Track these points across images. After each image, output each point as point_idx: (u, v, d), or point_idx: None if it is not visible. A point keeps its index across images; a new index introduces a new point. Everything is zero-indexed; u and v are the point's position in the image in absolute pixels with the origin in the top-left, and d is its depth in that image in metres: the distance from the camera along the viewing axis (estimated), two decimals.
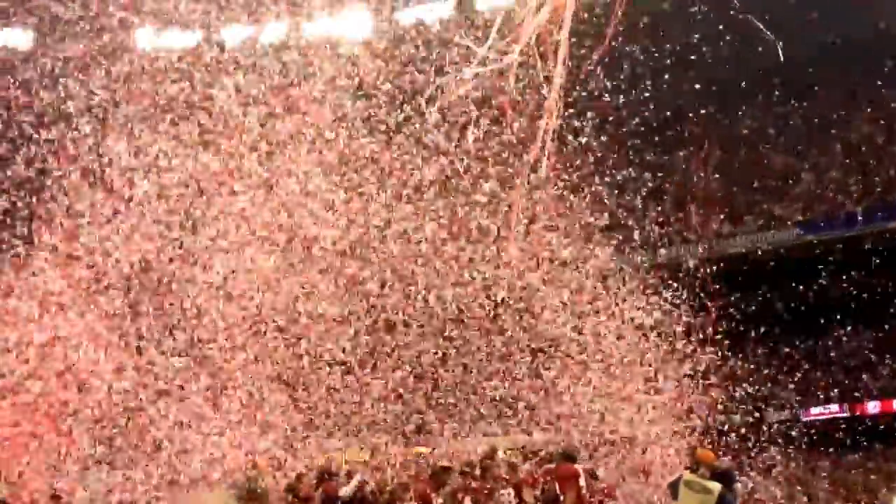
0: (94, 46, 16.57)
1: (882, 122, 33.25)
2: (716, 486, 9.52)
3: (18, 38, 25.71)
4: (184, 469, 13.99)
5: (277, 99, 16.14)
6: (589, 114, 20.98)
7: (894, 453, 27.96)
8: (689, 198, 33.60)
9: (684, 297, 19.88)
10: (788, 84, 34.14)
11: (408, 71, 17.64)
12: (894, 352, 29.78)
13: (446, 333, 19.80)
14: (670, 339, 18.60)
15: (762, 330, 25.08)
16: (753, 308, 25.95)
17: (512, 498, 12.33)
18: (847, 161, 33.19)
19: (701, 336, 19.50)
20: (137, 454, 13.75)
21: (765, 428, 23.74)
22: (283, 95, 16.17)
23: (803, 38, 26.43)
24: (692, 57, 29.82)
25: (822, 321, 28.64)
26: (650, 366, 18.13)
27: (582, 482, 11.79)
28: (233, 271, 15.73)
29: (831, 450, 25.93)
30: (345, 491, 13.15)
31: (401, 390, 19.74)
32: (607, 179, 24.72)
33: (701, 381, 18.61)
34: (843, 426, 28.21)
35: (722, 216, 32.43)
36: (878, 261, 28.24)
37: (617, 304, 18.70)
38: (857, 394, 29.84)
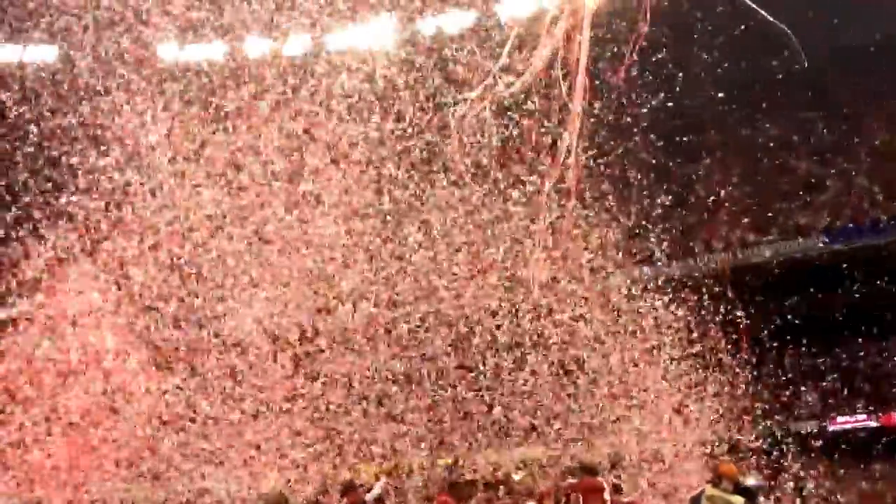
0: (118, 61, 16.71)
1: None
2: (738, 501, 9.44)
3: (44, 53, 26.06)
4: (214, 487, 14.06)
5: (299, 112, 16.18)
6: (612, 124, 20.93)
7: None
8: (712, 207, 33.40)
9: (708, 307, 19.80)
10: (813, 91, 33.93)
11: (428, 82, 17.68)
12: None
13: (469, 347, 19.81)
14: (695, 349, 18.51)
15: (787, 339, 24.87)
16: (778, 317, 25.74)
17: None
18: (873, 168, 32.85)
19: (726, 346, 19.39)
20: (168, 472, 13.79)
21: (791, 438, 23.54)
22: (305, 108, 16.22)
23: (828, 44, 26.30)
24: (714, 65, 29.70)
25: (848, 330, 28.31)
26: (674, 377, 18.03)
27: (607, 496, 11.68)
28: (256, 286, 15.80)
29: (859, 460, 25.60)
30: (370, 495, 13.15)
31: (424, 403, 19.76)
32: (630, 189, 24.70)
33: (726, 391, 18.50)
34: (871, 436, 27.87)
35: (746, 225, 32.17)
36: None
37: (640, 315, 18.63)
38: (884, 403, 29.47)
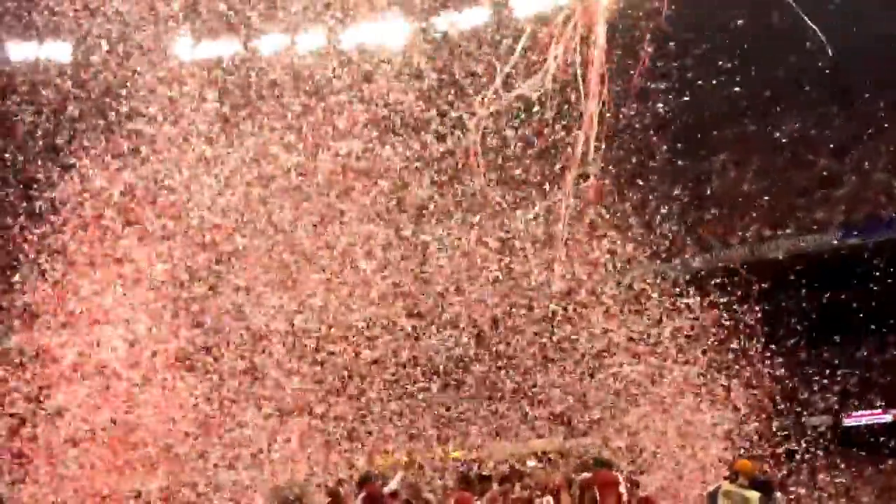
0: (132, 58, 16.77)
1: None
2: (754, 496, 9.44)
3: (58, 50, 26.25)
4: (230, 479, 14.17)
5: (314, 109, 16.23)
6: (629, 119, 20.96)
7: None
8: (729, 202, 33.31)
9: (724, 301, 19.78)
10: (830, 85, 33.73)
11: (444, 77, 17.72)
12: None
13: (484, 339, 19.89)
14: (710, 344, 18.51)
15: (803, 334, 24.78)
16: (794, 312, 25.66)
17: None
18: (890, 162, 32.65)
19: (741, 341, 19.37)
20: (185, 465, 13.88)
21: (806, 433, 23.49)
22: (320, 105, 16.26)
23: (846, 38, 26.10)
24: (731, 61, 29.57)
25: (864, 325, 28.19)
26: (689, 372, 18.04)
27: (622, 489, 11.75)
28: (272, 281, 15.89)
29: (873, 454, 25.52)
30: (388, 488, 13.19)
31: (438, 396, 19.87)
32: (648, 185, 24.71)
33: (741, 386, 18.49)
34: (886, 431, 27.75)
35: (762, 220, 32.05)
36: None
37: (656, 309, 18.66)
38: None
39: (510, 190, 18.96)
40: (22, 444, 13.20)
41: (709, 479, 15.49)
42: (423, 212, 18.89)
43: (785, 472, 19.15)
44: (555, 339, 19.32)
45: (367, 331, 18.16)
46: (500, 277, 19.86)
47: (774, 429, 19.03)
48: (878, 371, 29.73)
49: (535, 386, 20.74)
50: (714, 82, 30.37)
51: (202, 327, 15.48)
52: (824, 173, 33.05)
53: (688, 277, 20.49)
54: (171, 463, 13.80)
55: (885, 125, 32.43)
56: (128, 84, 16.32)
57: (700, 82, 29.02)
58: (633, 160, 23.31)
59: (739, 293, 21.03)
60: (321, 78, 16.62)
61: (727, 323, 19.17)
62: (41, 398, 13.43)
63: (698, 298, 18.91)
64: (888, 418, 29.01)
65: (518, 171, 19.15)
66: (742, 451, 16.23)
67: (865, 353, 29.61)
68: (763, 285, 23.45)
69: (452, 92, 17.00)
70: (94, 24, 16.80)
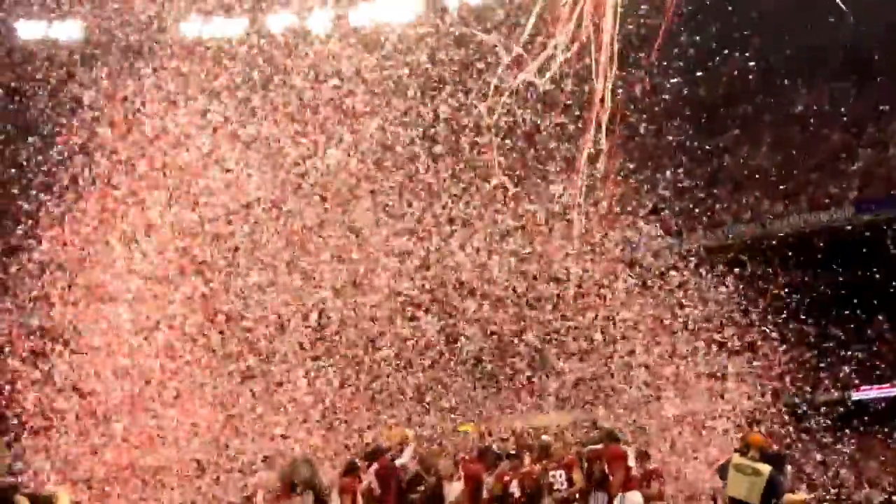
0: (142, 37, 16.73)
1: None
2: (766, 469, 9.40)
3: (69, 29, 26.29)
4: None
5: (325, 88, 16.19)
6: (642, 95, 20.92)
7: None
8: (742, 177, 33.17)
9: (737, 276, 19.80)
10: (845, 60, 33.47)
11: (453, 54, 17.66)
12: None
13: (493, 312, 19.96)
14: (722, 319, 18.55)
15: (815, 309, 24.76)
16: (807, 287, 25.63)
17: (563, 479, 12.34)
18: None
19: (753, 316, 19.41)
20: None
21: (815, 407, 23.55)
22: (331, 85, 16.22)
23: (866, 11, 25.88)
24: (745, 36, 29.42)
25: (876, 300, 28.10)
26: (700, 347, 18.09)
27: (631, 462, 11.81)
28: (286, 259, 15.96)
29: (881, 428, 25.56)
30: (400, 461, 13.27)
31: (447, 369, 19.97)
32: (661, 161, 24.65)
33: (751, 361, 18.55)
34: (894, 405, 27.74)
35: (776, 195, 31.92)
36: None
37: (667, 285, 18.71)
38: None
39: (524, 170, 19.01)
40: (46, 418, 13.32)
41: (719, 452, 15.57)
42: (436, 191, 18.90)
43: (794, 445, 19.22)
44: (565, 315, 19.39)
45: (378, 309, 18.26)
46: (515, 256, 19.93)
47: (784, 403, 19.09)
48: (888, 346, 29.66)
49: (545, 361, 20.83)
50: (727, 57, 30.22)
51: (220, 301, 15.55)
52: (839, 148, 32.82)
53: (700, 254, 20.50)
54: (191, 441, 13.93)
55: None
56: (137, 62, 16.29)
57: (714, 58, 28.90)
58: (646, 137, 23.23)
59: (751, 269, 21.06)
60: (330, 57, 16.56)
61: (738, 299, 19.21)
62: (65, 377, 13.54)
63: (710, 274, 18.94)
64: None
65: (532, 152, 19.18)
66: (752, 424, 16.25)
67: (876, 329, 29.53)
68: (775, 261, 23.46)
69: (465, 71, 16.96)
70: (105, 1, 16.80)
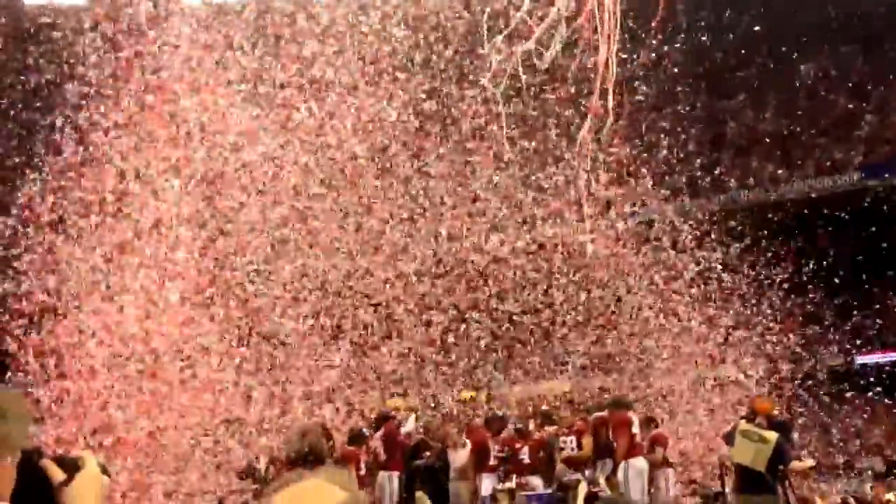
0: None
1: None
2: (773, 436, 9.43)
3: None
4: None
5: (323, 61, 16.01)
6: (647, 60, 20.75)
7: None
8: (747, 142, 33.03)
9: (742, 242, 19.80)
10: (850, 24, 33.13)
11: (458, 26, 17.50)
12: None
13: (496, 284, 20.01)
14: (726, 284, 18.58)
15: (820, 274, 24.79)
16: (811, 252, 25.63)
17: (574, 445, 12.49)
18: None
19: (757, 281, 19.44)
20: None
21: (819, 373, 23.64)
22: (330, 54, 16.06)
23: None
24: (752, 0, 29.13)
25: (881, 265, 28.12)
26: (705, 313, 18.13)
27: (635, 429, 11.90)
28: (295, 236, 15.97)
29: (886, 394, 25.70)
30: (406, 427, 13.42)
31: (451, 339, 20.06)
32: (666, 126, 24.52)
33: (755, 326, 18.59)
34: None
35: (781, 160, 31.81)
36: None
37: (672, 250, 18.72)
38: None
39: (529, 139, 18.94)
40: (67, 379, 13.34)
41: (725, 417, 15.67)
42: (442, 165, 18.90)
43: (799, 411, 19.32)
44: (571, 280, 19.43)
45: (383, 274, 18.31)
46: (519, 224, 19.93)
47: (789, 369, 19.15)
48: (893, 312, 29.72)
49: (551, 327, 20.90)
50: (734, 21, 29.92)
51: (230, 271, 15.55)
52: (845, 113, 32.62)
53: (705, 218, 20.48)
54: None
55: None
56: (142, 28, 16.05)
57: (720, 22, 28.61)
58: (652, 101, 23.05)
59: (757, 234, 21.05)
60: (333, 25, 16.37)
61: (743, 264, 19.23)
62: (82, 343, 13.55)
63: (714, 240, 18.95)
64: None
65: (538, 120, 19.09)
66: (758, 391, 16.32)
67: (882, 295, 29.56)
68: (779, 226, 23.41)
69: (470, 39, 16.83)
70: None
